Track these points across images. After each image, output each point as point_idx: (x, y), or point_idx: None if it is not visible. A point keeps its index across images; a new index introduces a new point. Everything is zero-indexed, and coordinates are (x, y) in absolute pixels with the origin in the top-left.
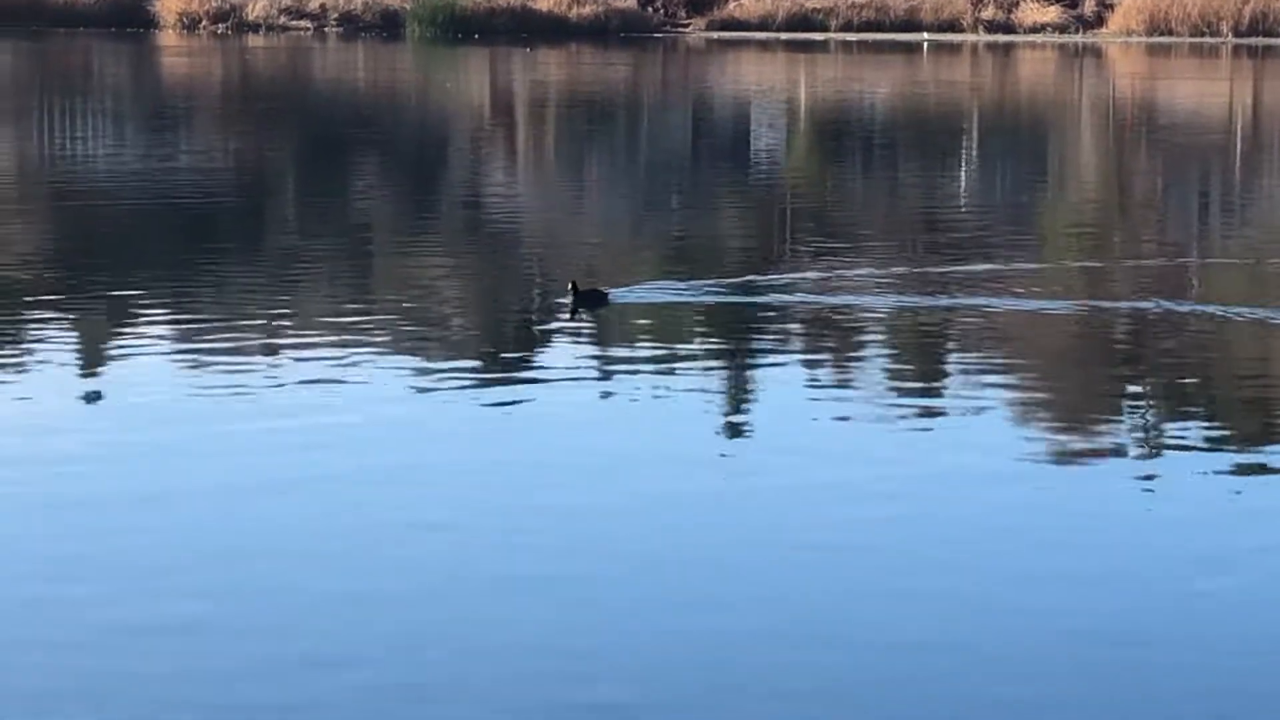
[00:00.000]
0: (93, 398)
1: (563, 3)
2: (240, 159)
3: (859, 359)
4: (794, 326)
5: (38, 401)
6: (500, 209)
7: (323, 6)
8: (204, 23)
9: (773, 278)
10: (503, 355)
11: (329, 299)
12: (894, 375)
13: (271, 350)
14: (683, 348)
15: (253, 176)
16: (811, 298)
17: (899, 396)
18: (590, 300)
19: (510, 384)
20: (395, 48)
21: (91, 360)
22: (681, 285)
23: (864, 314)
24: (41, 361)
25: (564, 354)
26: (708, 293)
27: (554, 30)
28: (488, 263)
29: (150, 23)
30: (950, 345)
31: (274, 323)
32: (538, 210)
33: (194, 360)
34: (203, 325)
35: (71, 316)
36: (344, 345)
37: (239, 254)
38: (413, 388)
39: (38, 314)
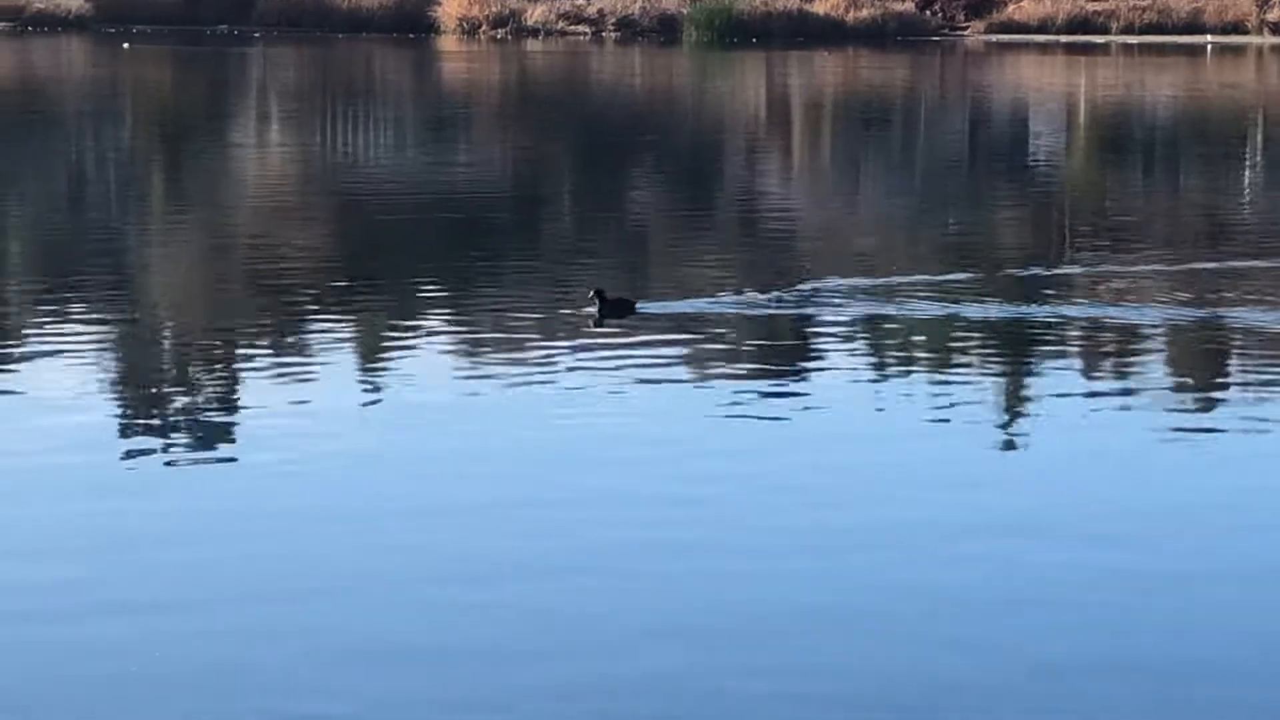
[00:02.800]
0: (374, 399)
1: (840, 6)
2: (518, 162)
3: (1141, 369)
4: (1076, 335)
5: (323, 401)
6: (776, 211)
7: (600, 12)
8: (484, 28)
9: (1049, 281)
10: (774, 359)
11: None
12: (1179, 387)
13: (549, 351)
14: (959, 358)
15: (531, 180)
16: (1091, 308)
17: (1184, 409)
18: (617, 309)
19: (786, 395)
20: (672, 52)
21: (371, 362)
22: (711, 299)
23: (1144, 323)
24: (323, 363)
25: (840, 358)
26: (735, 306)
27: (831, 34)
28: (762, 264)
29: (431, 28)
30: (1238, 356)
31: (553, 323)
32: (813, 212)
33: (472, 361)
34: (481, 327)
35: (353, 318)
36: (620, 348)
37: (517, 256)
38: (682, 397)
39: (320, 316)
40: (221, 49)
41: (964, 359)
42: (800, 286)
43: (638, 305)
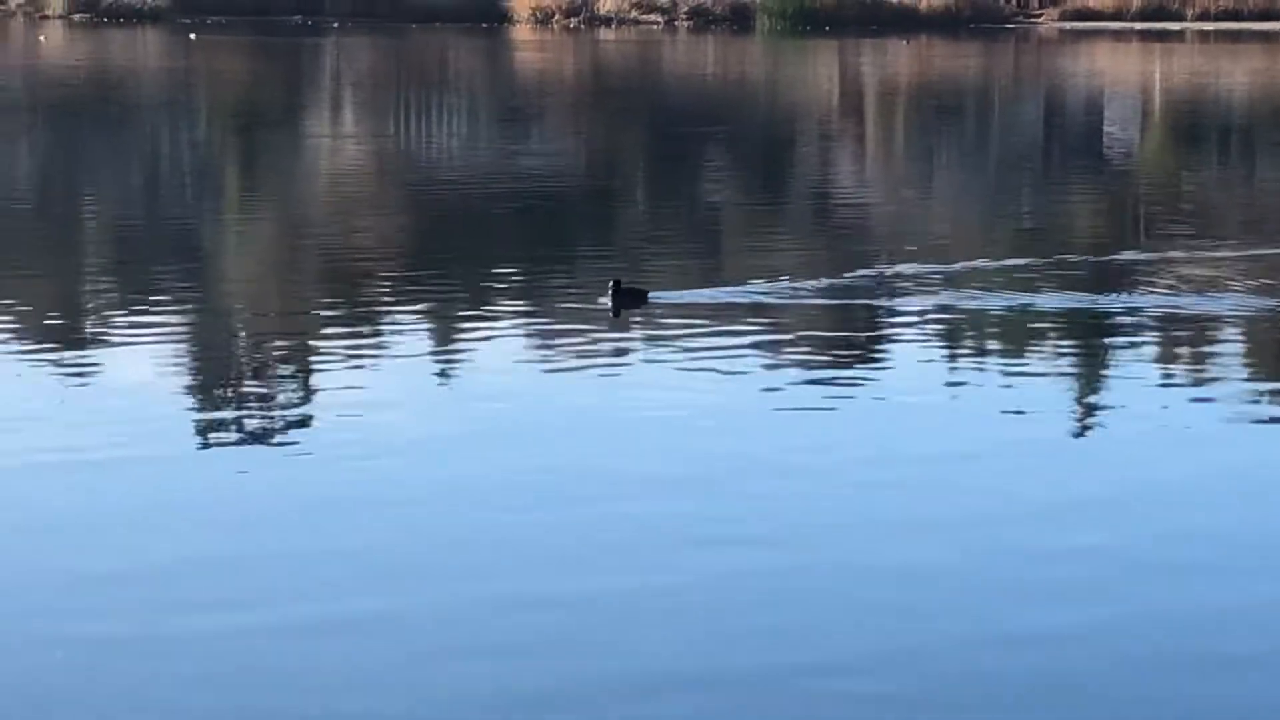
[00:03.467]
0: (445, 387)
1: None
2: (590, 151)
3: (1218, 357)
4: (1151, 324)
5: (396, 389)
6: (848, 199)
7: (673, 0)
8: (556, 17)
9: (1124, 268)
10: (847, 348)
11: (676, 286)
12: (1256, 376)
13: (618, 336)
14: (1032, 347)
15: (603, 169)
16: (1167, 296)
17: (1261, 398)
18: (631, 299)
19: (858, 384)
20: (744, 41)
21: (445, 349)
22: (725, 288)
23: (1221, 311)
24: (397, 350)
25: (910, 347)
26: (742, 295)
27: (904, 21)
28: (835, 249)
29: (504, 17)
30: None
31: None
32: (885, 200)
33: (543, 349)
34: (552, 315)
35: (426, 306)
36: (695, 333)
37: (589, 245)
38: (759, 379)
39: (394, 304)
40: (294, 39)
41: (1038, 348)
42: (868, 273)
43: (650, 295)
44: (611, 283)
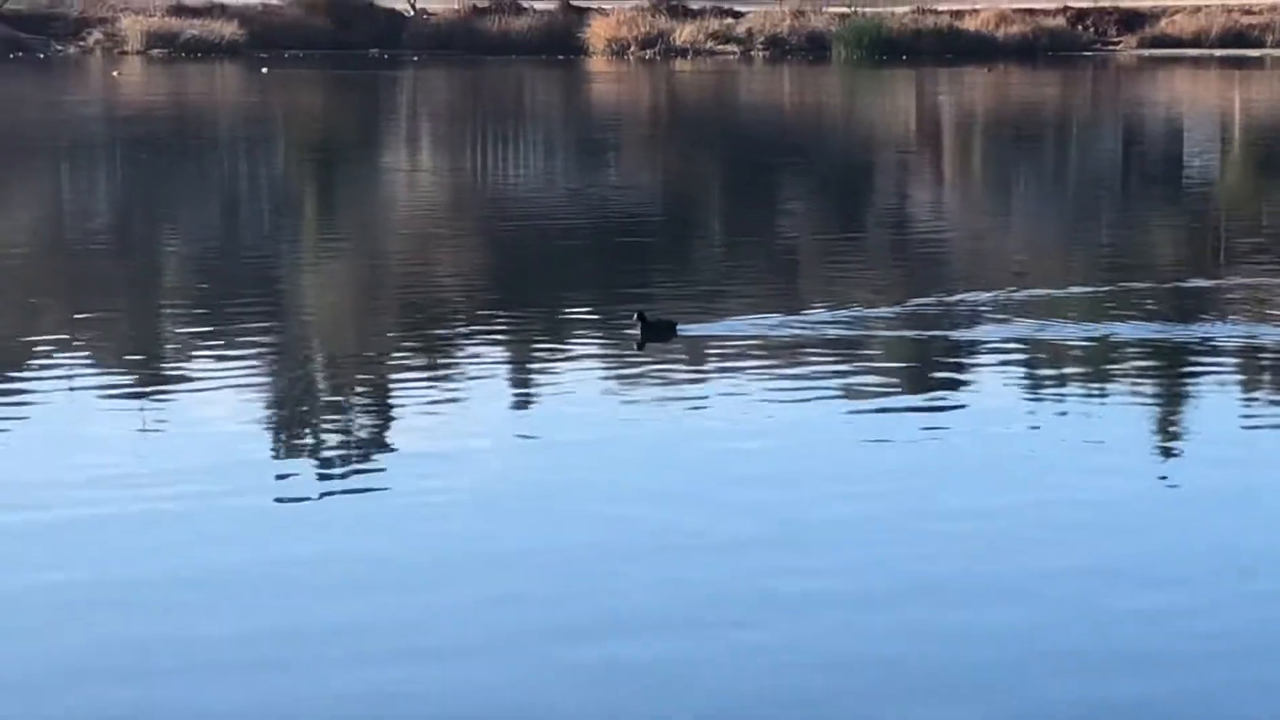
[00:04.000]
0: (524, 424)
1: (991, 22)
2: (668, 183)
3: None
4: (1231, 354)
5: (475, 426)
6: (927, 227)
7: (749, 31)
8: (632, 48)
9: (1203, 298)
10: (926, 380)
11: (755, 320)
12: None
13: (698, 372)
14: (1111, 378)
15: (680, 200)
16: (1247, 326)
17: None
18: (658, 332)
19: (938, 413)
20: (820, 70)
21: (523, 385)
22: (753, 319)
23: None
24: (475, 387)
25: (989, 378)
26: (766, 326)
27: (981, 50)
28: (910, 278)
29: (580, 49)
30: None
31: (699, 344)
32: (962, 230)
33: (623, 384)
34: (631, 349)
35: (504, 340)
36: (778, 364)
37: (667, 278)
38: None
39: (472, 338)
40: (371, 72)
41: (1117, 379)
42: (944, 302)
43: (678, 328)
44: (636, 315)
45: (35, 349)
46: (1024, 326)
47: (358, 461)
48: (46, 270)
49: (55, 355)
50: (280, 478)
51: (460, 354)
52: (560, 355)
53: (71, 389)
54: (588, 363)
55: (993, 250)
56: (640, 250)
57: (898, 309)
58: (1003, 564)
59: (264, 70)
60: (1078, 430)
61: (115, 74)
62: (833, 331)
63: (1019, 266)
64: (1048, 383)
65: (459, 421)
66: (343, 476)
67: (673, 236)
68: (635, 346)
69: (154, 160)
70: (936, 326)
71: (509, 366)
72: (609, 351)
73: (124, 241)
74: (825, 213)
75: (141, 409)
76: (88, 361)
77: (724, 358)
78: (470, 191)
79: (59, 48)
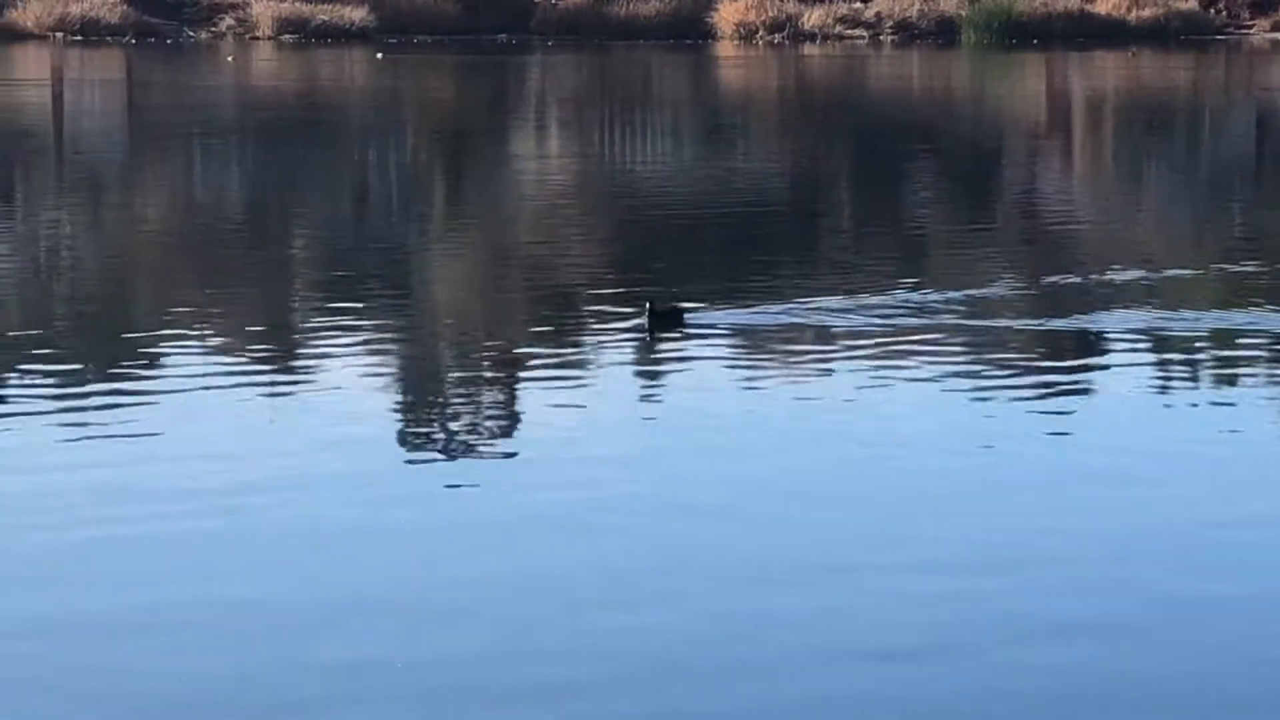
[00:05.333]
0: (651, 408)
1: (1122, 5)
2: (795, 168)
3: None
4: None
5: (600, 410)
6: (1057, 212)
7: (878, 15)
8: (760, 32)
9: None
10: (1062, 364)
11: (883, 306)
12: None
13: (825, 356)
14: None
15: (807, 185)
16: None
17: None
18: (667, 320)
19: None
20: (950, 54)
21: (648, 371)
22: (764, 307)
23: None
24: (602, 371)
25: (1119, 368)
26: (783, 314)
27: (1112, 33)
28: (1042, 263)
29: (708, 34)
30: None
31: (830, 330)
32: (1092, 216)
33: (748, 367)
34: (755, 335)
35: (631, 326)
36: (901, 355)
37: (793, 264)
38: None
39: (598, 323)
40: (497, 57)
41: (1252, 372)
42: (1074, 288)
43: (686, 316)
44: (647, 303)
45: (166, 331)
46: (1153, 314)
47: (488, 442)
48: (178, 252)
49: (187, 336)
50: (397, 453)
51: (586, 336)
52: (684, 337)
53: (204, 370)
54: (714, 348)
55: (1124, 236)
56: (767, 236)
57: (1026, 294)
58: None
59: (379, 55)
60: (1207, 423)
61: (229, 59)
62: (954, 319)
63: (1148, 252)
64: (1179, 374)
65: (583, 400)
66: (461, 454)
67: (800, 223)
68: (647, 337)
69: (281, 146)
70: (1068, 312)
71: (633, 347)
72: (737, 339)
73: (254, 227)
74: (953, 199)
75: (269, 389)
76: (217, 344)
77: (856, 346)
78: (597, 177)
79: (190, 34)
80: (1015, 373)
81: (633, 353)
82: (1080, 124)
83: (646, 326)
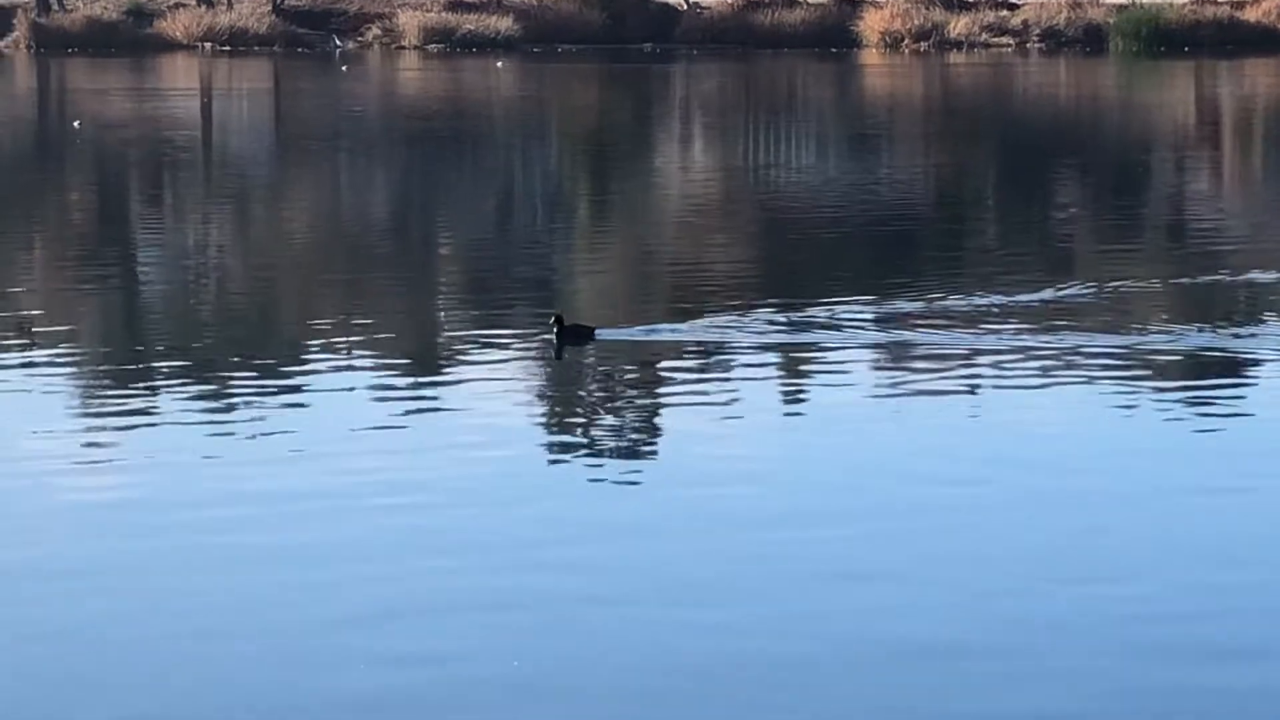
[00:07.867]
0: (794, 412)
1: (1272, 12)
2: (941, 177)
3: None
4: None
5: (743, 417)
6: (1204, 222)
7: (1025, 23)
8: (906, 41)
9: None
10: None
11: (1029, 320)
12: None
13: (970, 365)
14: None
15: (952, 195)
16: None
17: None
18: (574, 336)
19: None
20: (1097, 62)
21: (791, 377)
22: (670, 325)
23: None
24: (744, 378)
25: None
26: (677, 333)
27: (1262, 41)
28: (1193, 272)
29: (853, 42)
30: None
31: (976, 340)
32: (1238, 224)
33: (895, 375)
34: (901, 341)
35: (775, 334)
36: (1040, 371)
37: (936, 272)
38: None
39: (742, 332)
40: (642, 66)
41: None
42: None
43: (596, 332)
44: (554, 318)
45: (312, 338)
46: None
47: (630, 447)
48: (323, 262)
49: (332, 342)
50: (535, 457)
51: (727, 343)
52: (826, 346)
53: (350, 370)
54: (853, 352)
55: (1267, 245)
56: (910, 244)
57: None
58: None
59: (499, 64)
60: None
61: (344, 69)
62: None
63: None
64: None
65: (723, 408)
66: (599, 456)
67: (944, 231)
68: (555, 354)
69: (426, 155)
70: (1215, 319)
71: (775, 355)
72: (883, 342)
73: (398, 237)
74: (1099, 208)
75: (411, 394)
76: (361, 348)
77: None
78: (742, 185)
79: (338, 43)
80: (1169, 389)
81: (775, 361)
82: (1230, 132)
83: (555, 342)
